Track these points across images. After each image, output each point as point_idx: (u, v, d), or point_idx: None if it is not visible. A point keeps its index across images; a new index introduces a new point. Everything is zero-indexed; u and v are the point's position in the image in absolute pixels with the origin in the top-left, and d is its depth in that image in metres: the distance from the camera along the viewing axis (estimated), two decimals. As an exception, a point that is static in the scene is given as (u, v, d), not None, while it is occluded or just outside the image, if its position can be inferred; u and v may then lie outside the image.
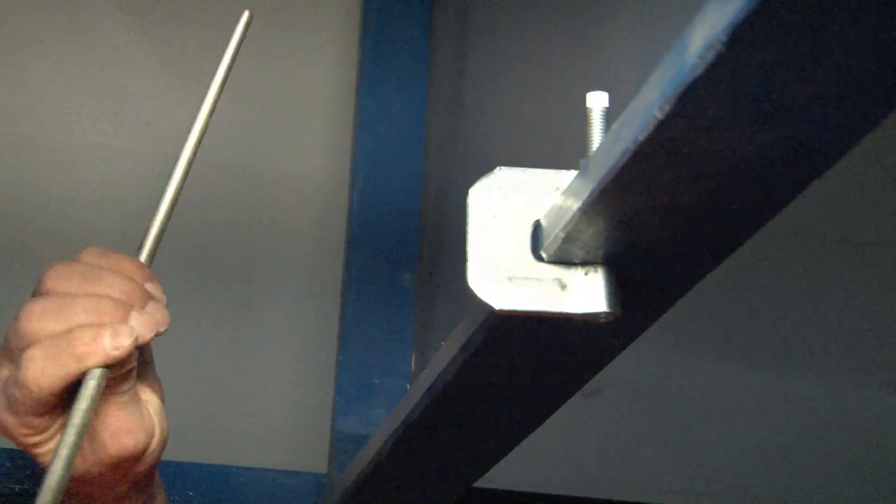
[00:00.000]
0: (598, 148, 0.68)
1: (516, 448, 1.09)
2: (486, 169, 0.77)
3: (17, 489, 1.46)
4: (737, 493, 1.82)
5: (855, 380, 1.82)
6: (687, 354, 1.80)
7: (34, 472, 1.46)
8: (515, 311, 0.72)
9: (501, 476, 1.59)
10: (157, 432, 0.91)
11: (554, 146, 1.03)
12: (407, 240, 1.54)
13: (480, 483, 1.24)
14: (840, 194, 1.77)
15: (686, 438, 1.83)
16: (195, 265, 1.68)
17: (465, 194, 0.76)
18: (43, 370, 0.79)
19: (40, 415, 0.82)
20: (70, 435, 0.77)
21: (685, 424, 1.82)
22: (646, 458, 1.82)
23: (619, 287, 0.73)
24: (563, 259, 0.73)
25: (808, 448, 1.84)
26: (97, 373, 0.79)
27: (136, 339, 0.82)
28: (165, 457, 1.54)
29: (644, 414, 1.81)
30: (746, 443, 1.83)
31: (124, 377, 0.84)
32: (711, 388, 1.82)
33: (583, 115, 0.73)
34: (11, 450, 1.47)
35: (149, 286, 0.89)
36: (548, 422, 1.00)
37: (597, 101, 0.73)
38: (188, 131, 0.95)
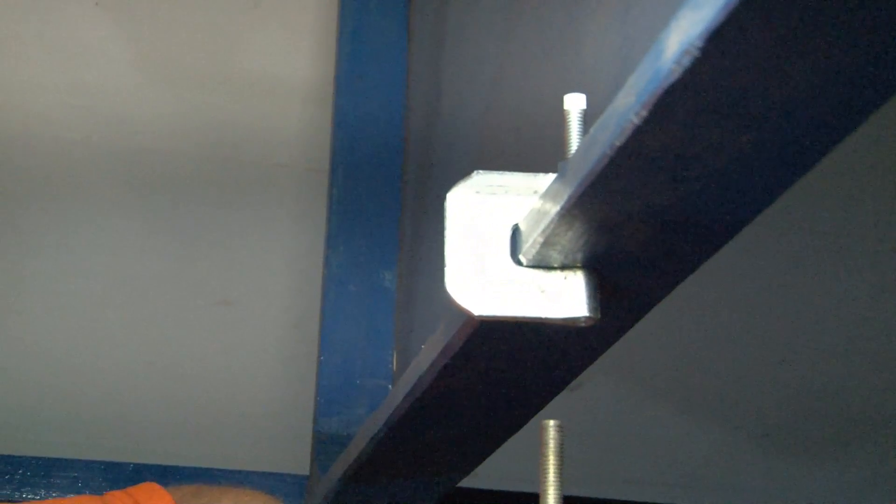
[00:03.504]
0: (576, 153, 0.68)
1: (504, 450, 1.08)
2: (464, 172, 0.76)
3: (15, 496, 1.46)
4: (713, 486, 1.83)
5: (838, 363, 1.83)
6: (671, 347, 1.80)
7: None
8: (494, 317, 0.72)
9: (485, 474, 1.58)
10: None
11: (531, 145, 1.02)
12: (387, 237, 1.54)
13: (464, 484, 1.23)
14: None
15: (666, 431, 1.83)
16: (173, 261, 1.67)
17: (444, 197, 0.75)
18: None
19: None
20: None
21: (664, 417, 1.82)
22: (624, 451, 1.82)
23: (598, 291, 0.72)
24: (541, 263, 0.72)
25: (786, 439, 1.84)
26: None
27: None
28: (148, 460, 1.54)
29: (626, 408, 1.81)
30: (724, 435, 1.83)
31: None
32: (692, 382, 1.82)
33: (560, 114, 0.73)
34: (27, 457, 1.47)
35: None
36: (535, 425, 0.99)
37: (574, 103, 0.73)
38: None
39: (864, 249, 1.80)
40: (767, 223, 1.75)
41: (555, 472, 0.74)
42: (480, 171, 0.75)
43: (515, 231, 0.73)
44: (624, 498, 1.79)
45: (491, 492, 1.71)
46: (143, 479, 1.39)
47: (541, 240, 0.70)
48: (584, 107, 0.72)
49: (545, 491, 0.74)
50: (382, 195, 1.55)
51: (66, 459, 1.47)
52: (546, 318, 0.72)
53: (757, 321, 1.81)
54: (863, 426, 1.85)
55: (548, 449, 0.75)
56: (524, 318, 0.72)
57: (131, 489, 1.08)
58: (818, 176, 1.77)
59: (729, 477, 1.84)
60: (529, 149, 1.02)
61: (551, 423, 0.75)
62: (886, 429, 1.86)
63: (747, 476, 1.84)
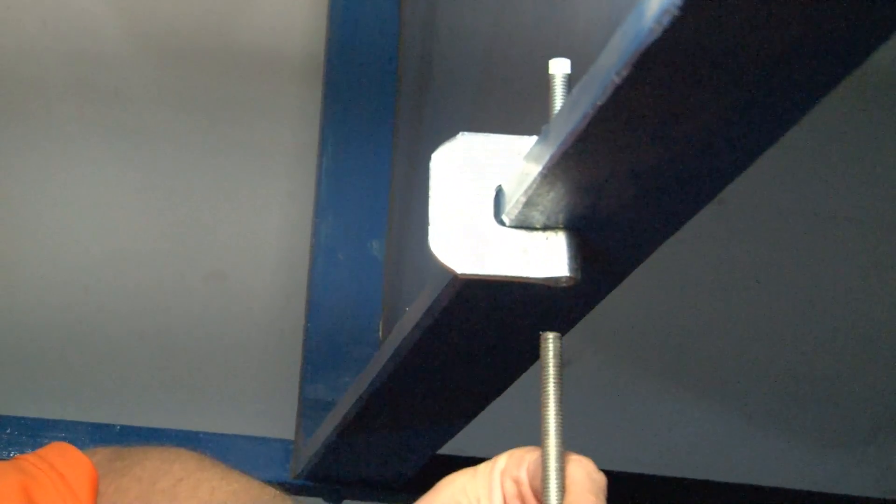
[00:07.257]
0: (558, 113, 0.68)
1: (485, 417, 1.09)
2: (453, 133, 0.77)
3: (2, 455, 1.46)
4: (703, 465, 1.84)
5: (827, 346, 1.84)
6: (660, 327, 1.81)
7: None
8: (477, 276, 0.73)
9: (469, 445, 1.60)
10: None
11: (522, 111, 1.03)
12: (376, 207, 1.55)
13: (446, 450, 1.24)
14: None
15: (655, 410, 1.84)
16: (167, 232, 1.68)
17: (429, 159, 0.76)
18: None
19: None
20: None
21: (654, 396, 1.84)
22: (615, 429, 1.83)
23: (579, 251, 0.73)
24: (524, 224, 0.73)
25: (772, 421, 1.85)
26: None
27: None
28: (136, 422, 1.55)
29: (614, 385, 1.82)
30: (711, 415, 1.85)
31: None
32: (681, 361, 1.83)
33: (546, 79, 0.73)
34: (15, 417, 1.48)
35: None
36: (517, 391, 1.00)
37: (559, 68, 0.73)
38: None
39: (856, 233, 1.81)
40: (759, 205, 1.76)
41: (555, 384, 0.73)
42: (465, 133, 0.76)
43: (499, 192, 0.74)
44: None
45: (474, 459, 1.72)
46: (130, 441, 1.40)
47: (523, 200, 0.71)
48: (569, 71, 0.73)
49: (546, 403, 0.73)
50: (372, 165, 1.56)
51: (53, 420, 1.48)
52: (527, 278, 0.73)
53: (747, 304, 1.82)
54: (848, 410, 1.87)
55: (547, 361, 0.74)
56: (506, 276, 0.73)
57: (42, 450, 1.04)
58: (809, 158, 1.77)
59: (715, 456, 1.85)
60: (520, 115, 1.03)
61: (550, 335, 0.74)
62: (871, 413, 1.88)
63: (733, 456, 1.86)
